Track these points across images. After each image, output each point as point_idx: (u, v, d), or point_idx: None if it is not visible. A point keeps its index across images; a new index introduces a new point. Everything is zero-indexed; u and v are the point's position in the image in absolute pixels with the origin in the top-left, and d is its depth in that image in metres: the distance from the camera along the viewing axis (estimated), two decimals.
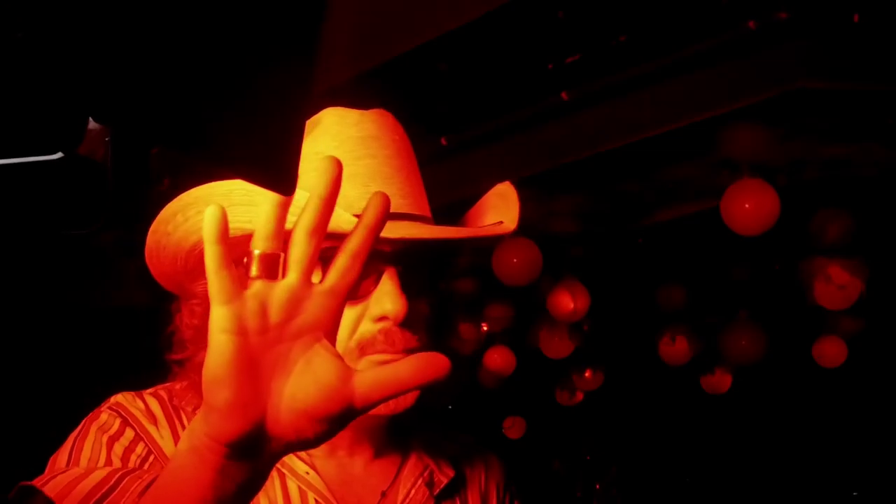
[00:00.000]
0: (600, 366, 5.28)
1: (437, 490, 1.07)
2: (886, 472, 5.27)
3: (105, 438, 0.94)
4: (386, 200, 0.66)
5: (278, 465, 0.97)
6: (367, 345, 0.94)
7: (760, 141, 2.97)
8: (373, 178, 0.97)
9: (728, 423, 5.76)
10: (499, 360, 4.71)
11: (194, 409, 0.99)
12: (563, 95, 2.70)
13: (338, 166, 0.64)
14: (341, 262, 0.66)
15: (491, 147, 3.00)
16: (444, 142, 2.89)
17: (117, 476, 0.87)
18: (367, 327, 0.94)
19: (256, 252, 0.64)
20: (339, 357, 0.65)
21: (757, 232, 3.07)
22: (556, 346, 4.63)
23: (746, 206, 3.03)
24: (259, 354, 0.63)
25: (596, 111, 2.77)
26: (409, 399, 0.94)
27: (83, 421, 0.98)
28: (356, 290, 0.92)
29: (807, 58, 2.51)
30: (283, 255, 0.65)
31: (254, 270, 0.64)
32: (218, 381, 0.62)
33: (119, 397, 1.00)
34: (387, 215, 0.67)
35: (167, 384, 1.04)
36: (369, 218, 0.66)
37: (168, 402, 1.01)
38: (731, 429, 5.82)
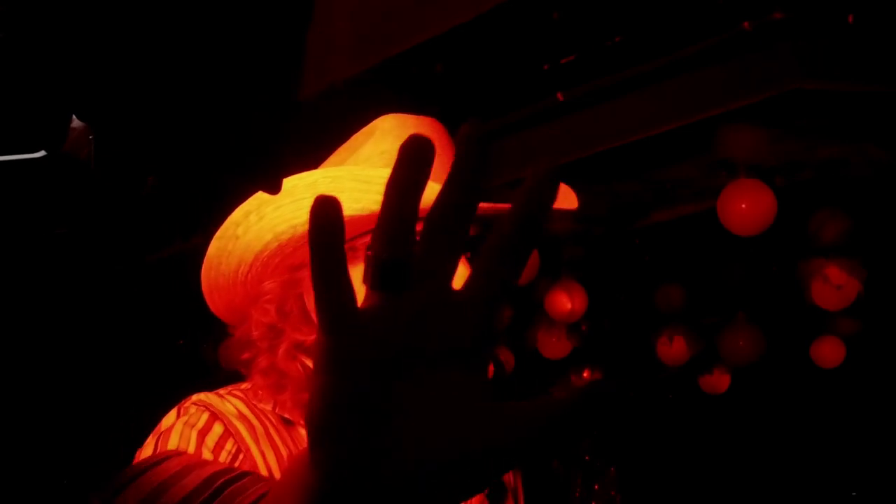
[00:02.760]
0: (598, 366, 5.29)
1: (487, 490, 1.08)
2: (886, 472, 5.27)
3: (194, 433, 0.90)
4: (557, 172, 0.47)
5: None
6: None
7: (757, 141, 2.98)
8: (437, 178, 0.96)
9: (727, 423, 5.77)
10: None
11: (274, 408, 0.98)
12: (559, 96, 2.70)
13: (485, 140, 0.45)
14: (499, 259, 0.46)
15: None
16: None
17: (227, 478, 0.77)
18: None
19: (377, 258, 0.45)
20: (487, 389, 0.47)
21: (754, 232, 3.08)
22: (554, 347, 4.63)
23: (743, 206, 3.04)
24: (379, 394, 0.45)
25: (592, 112, 2.77)
26: None
27: (167, 421, 0.94)
28: None
29: (802, 58, 2.51)
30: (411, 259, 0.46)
31: (374, 283, 0.45)
32: (322, 432, 0.45)
33: (202, 395, 0.96)
34: (556, 192, 0.47)
35: (234, 385, 1.02)
36: (545, 198, 0.45)
37: (250, 402, 0.98)
38: (729, 429, 5.83)
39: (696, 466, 6.04)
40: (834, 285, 3.70)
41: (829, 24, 2.38)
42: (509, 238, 0.45)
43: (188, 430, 0.90)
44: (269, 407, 0.98)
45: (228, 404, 0.96)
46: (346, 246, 0.95)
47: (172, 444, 0.88)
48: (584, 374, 5.22)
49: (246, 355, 1.00)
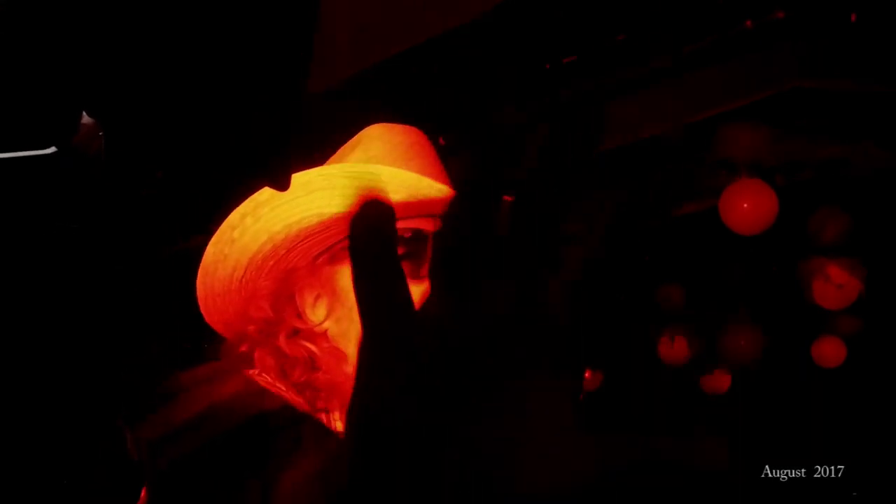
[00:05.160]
0: (599, 366, 5.29)
1: None
2: (886, 472, 5.27)
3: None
4: None
5: None
6: None
7: (758, 140, 2.98)
8: (421, 178, 1.03)
9: (727, 423, 5.76)
10: None
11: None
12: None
13: None
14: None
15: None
16: (441, 141, 2.89)
17: None
18: None
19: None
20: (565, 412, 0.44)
21: (755, 231, 3.08)
22: None
23: (745, 205, 3.04)
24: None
25: (593, 111, 2.77)
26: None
27: None
28: (418, 271, 1.00)
29: (804, 57, 2.51)
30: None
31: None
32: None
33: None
34: None
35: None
36: None
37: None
38: (730, 429, 5.82)
39: (697, 466, 6.04)
40: (835, 284, 3.71)
41: (831, 23, 2.38)
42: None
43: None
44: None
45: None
46: (343, 243, 0.98)
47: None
48: (586, 374, 5.22)
49: (244, 348, 1.03)
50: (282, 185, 0.63)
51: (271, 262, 1.02)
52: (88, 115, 0.56)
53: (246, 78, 0.67)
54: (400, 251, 0.98)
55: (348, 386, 1.00)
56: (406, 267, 0.99)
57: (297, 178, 0.91)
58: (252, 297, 1.03)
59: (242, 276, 1.03)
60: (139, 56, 0.59)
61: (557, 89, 2.63)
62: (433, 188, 0.95)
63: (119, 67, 0.59)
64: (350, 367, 1.00)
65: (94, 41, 0.57)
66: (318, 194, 0.92)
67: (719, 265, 4.25)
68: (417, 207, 0.97)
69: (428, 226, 1.01)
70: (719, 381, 5.14)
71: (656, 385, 5.54)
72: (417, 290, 1.00)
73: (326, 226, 0.96)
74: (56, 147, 0.51)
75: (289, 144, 0.69)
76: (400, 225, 0.98)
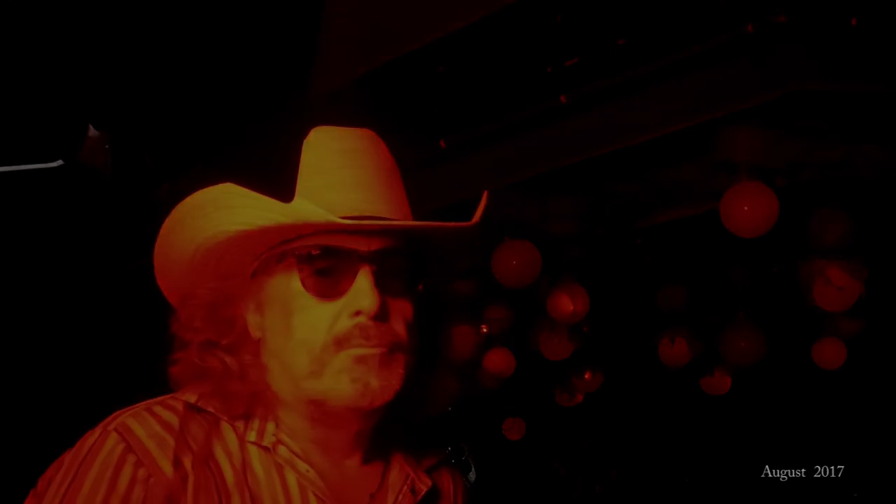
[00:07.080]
0: (600, 367, 5.29)
1: (419, 497, 1.10)
2: (886, 472, 5.27)
3: (107, 475, 0.91)
4: None
5: (278, 460, 0.99)
6: (342, 339, 0.97)
7: (759, 143, 2.98)
8: (354, 186, 1.01)
9: (728, 424, 5.77)
10: (498, 361, 4.72)
11: (197, 401, 1.00)
12: (562, 98, 2.70)
13: None
14: None
15: (490, 149, 3.00)
16: (442, 144, 2.89)
17: None
18: (344, 323, 0.97)
19: None
20: None
21: (756, 234, 3.08)
22: (556, 348, 4.63)
23: (745, 208, 3.04)
24: None
25: (594, 114, 2.77)
26: (387, 393, 0.97)
27: (86, 446, 0.94)
28: (334, 288, 0.97)
29: (805, 60, 2.51)
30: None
31: None
32: None
33: (127, 419, 0.96)
34: None
35: (182, 390, 1.04)
36: None
37: (182, 409, 0.99)
38: (731, 430, 5.83)
39: (697, 467, 6.05)
40: (835, 286, 3.70)
41: (832, 26, 2.38)
42: None
43: (105, 472, 0.91)
44: (193, 399, 1.01)
45: (151, 420, 0.96)
46: (268, 254, 1.00)
47: (87, 486, 0.90)
48: (586, 376, 5.22)
49: (179, 355, 1.04)
50: (284, 195, 0.63)
51: (209, 269, 1.04)
52: (95, 128, 0.56)
53: (250, 86, 0.67)
54: (308, 269, 0.97)
55: (269, 395, 1.00)
56: (318, 284, 0.97)
57: (207, 194, 0.96)
58: (186, 301, 1.04)
59: (189, 277, 1.06)
60: (144, 69, 0.60)
61: (559, 92, 2.63)
62: (314, 215, 0.92)
63: (125, 80, 0.60)
64: (269, 377, 1.01)
65: (99, 54, 0.58)
66: (222, 213, 0.96)
67: (720, 267, 4.25)
68: (313, 227, 0.96)
69: (346, 243, 0.97)
70: (720, 383, 5.14)
71: (656, 386, 5.55)
72: (334, 308, 0.97)
73: (234, 242, 0.99)
74: (62, 161, 0.51)
75: (290, 150, 0.69)
76: (307, 242, 0.97)
